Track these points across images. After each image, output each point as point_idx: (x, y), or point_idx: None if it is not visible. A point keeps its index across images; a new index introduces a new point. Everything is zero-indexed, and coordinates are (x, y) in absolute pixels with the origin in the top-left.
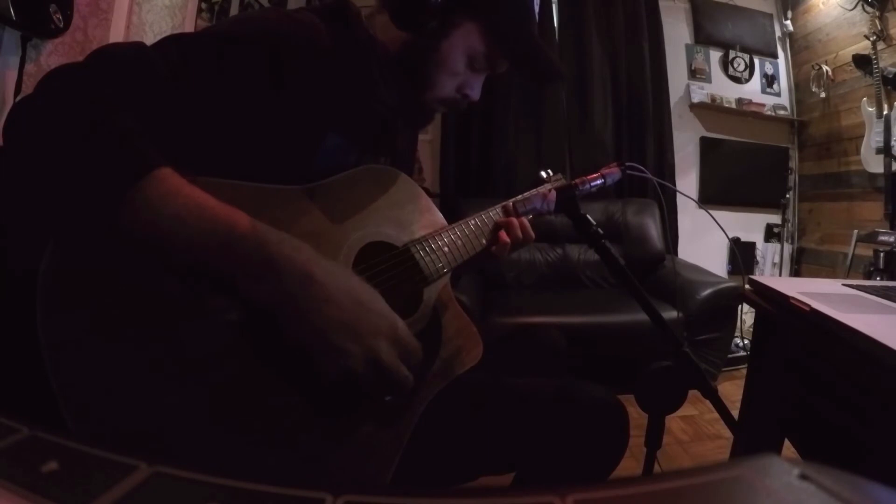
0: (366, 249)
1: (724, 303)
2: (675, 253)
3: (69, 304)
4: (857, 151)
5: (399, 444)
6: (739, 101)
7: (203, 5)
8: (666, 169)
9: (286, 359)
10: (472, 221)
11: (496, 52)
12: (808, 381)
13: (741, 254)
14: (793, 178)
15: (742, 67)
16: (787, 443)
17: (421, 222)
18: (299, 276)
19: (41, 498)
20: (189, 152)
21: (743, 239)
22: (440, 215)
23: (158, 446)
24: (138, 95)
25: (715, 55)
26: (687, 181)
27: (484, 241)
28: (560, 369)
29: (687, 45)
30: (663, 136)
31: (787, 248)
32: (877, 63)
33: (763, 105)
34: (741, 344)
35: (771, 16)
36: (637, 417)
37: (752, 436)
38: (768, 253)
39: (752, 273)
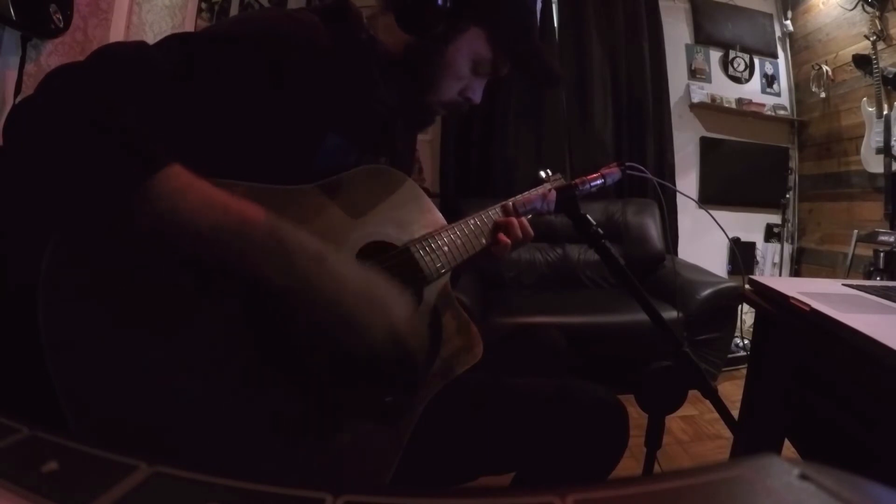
0: (366, 249)
1: (724, 303)
2: (675, 253)
3: (71, 302)
4: (857, 151)
5: (399, 443)
6: (739, 101)
7: (203, 5)
8: (666, 169)
9: (289, 356)
10: (472, 221)
11: (500, 58)
12: (808, 381)
13: (741, 254)
14: (793, 178)
15: (742, 67)
16: (787, 443)
17: (421, 222)
18: (312, 259)
19: (41, 498)
20: (189, 151)
21: (743, 239)
22: (440, 215)
23: (159, 444)
24: (140, 94)
25: (715, 55)
26: (687, 181)
27: (484, 241)
28: (560, 369)
29: (687, 45)
30: (663, 136)
31: (787, 248)
32: (877, 63)
33: (763, 105)
34: (741, 344)
35: (771, 16)
36: (637, 417)
37: (752, 436)
38: (768, 253)
39: (752, 273)
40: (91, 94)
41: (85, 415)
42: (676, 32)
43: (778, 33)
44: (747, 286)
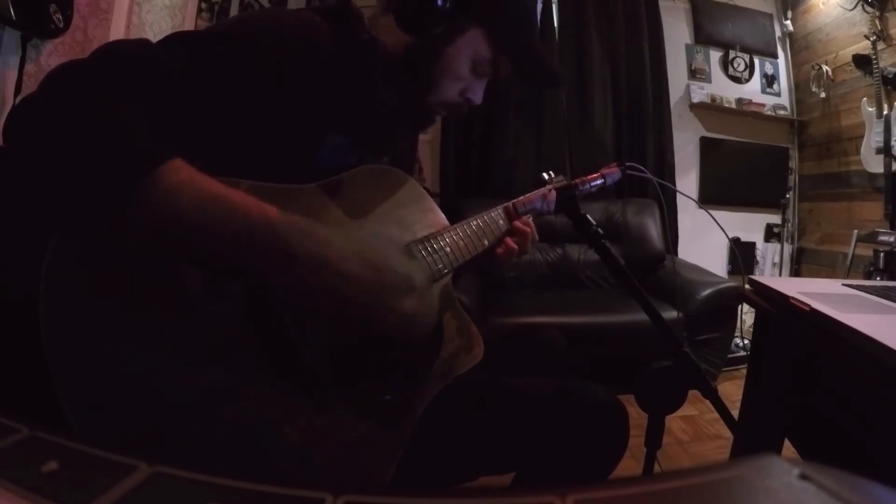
0: None
1: (724, 303)
2: (675, 253)
3: (72, 301)
4: (857, 151)
5: (399, 443)
6: (739, 101)
7: (203, 5)
8: (666, 169)
9: (290, 356)
10: (474, 222)
11: (500, 58)
12: (808, 381)
13: (741, 254)
14: (793, 178)
15: (742, 67)
16: (787, 443)
17: (423, 222)
18: (313, 259)
19: (41, 498)
20: (191, 150)
21: (743, 239)
22: (442, 215)
23: (159, 444)
24: (142, 92)
25: (715, 55)
26: (687, 181)
27: (486, 242)
28: (560, 369)
29: (687, 45)
30: (663, 136)
31: (787, 248)
32: (877, 63)
33: (763, 105)
34: (741, 344)
35: (771, 16)
36: (637, 417)
37: (752, 436)
38: (768, 253)
39: (752, 273)
40: (93, 91)
41: (85, 414)
42: (676, 32)
43: (778, 33)
44: (747, 286)
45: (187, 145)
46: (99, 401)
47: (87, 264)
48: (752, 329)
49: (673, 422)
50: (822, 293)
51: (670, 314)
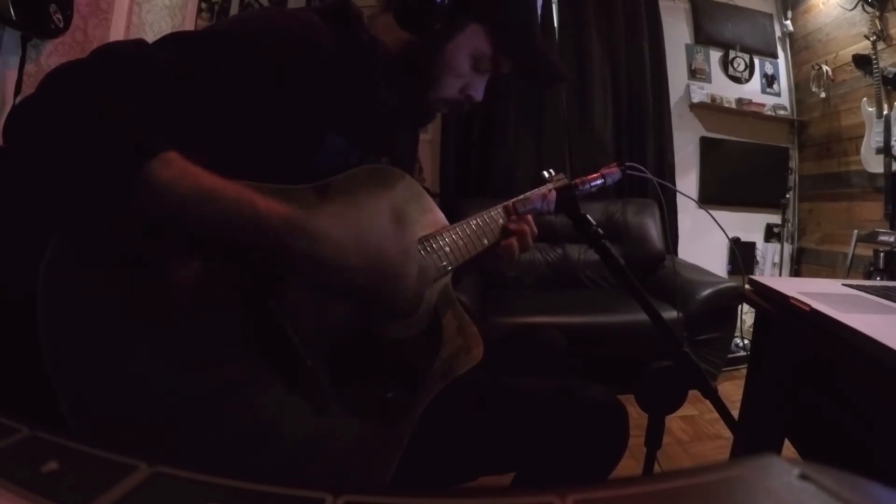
0: None
1: (724, 303)
2: (675, 253)
3: (71, 301)
4: (857, 151)
5: (399, 443)
6: (739, 101)
7: (203, 5)
8: (666, 169)
9: (290, 355)
10: (474, 221)
11: (500, 54)
12: (808, 381)
13: (741, 254)
14: (793, 178)
15: (742, 67)
16: (787, 443)
17: (422, 222)
18: (312, 243)
19: (41, 498)
20: (190, 151)
21: (743, 239)
22: (441, 215)
23: (159, 444)
24: (139, 91)
25: (715, 55)
26: (687, 181)
27: (486, 242)
28: (560, 369)
29: (687, 45)
30: (663, 136)
31: (787, 248)
32: (877, 63)
33: (763, 105)
34: (741, 344)
35: (771, 16)
36: (637, 417)
37: (752, 436)
38: (768, 253)
39: (752, 273)
40: (91, 91)
41: (84, 414)
42: (676, 32)
43: (778, 33)
44: (747, 286)
45: (187, 145)
46: (98, 401)
47: (86, 264)
48: (752, 329)
49: (673, 422)
50: (822, 293)
51: (670, 314)
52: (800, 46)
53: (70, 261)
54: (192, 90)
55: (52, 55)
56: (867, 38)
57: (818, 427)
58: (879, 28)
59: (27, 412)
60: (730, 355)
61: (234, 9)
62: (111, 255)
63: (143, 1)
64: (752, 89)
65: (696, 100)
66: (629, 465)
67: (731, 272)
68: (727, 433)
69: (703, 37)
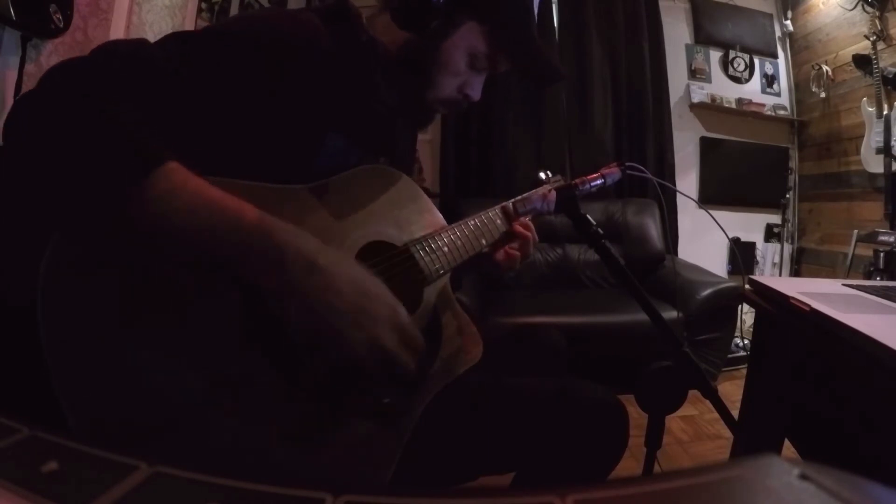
0: (366, 249)
1: (724, 303)
2: (675, 253)
3: (71, 301)
4: (857, 151)
5: (399, 443)
6: (739, 101)
7: (203, 5)
8: (666, 169)
9: (289, 355)
10: (472, 222)
11: (497, 53)
12: (808, 381)
13: (741, 254)
14: (793, 178)
15: (742, 67)
16: (787, 443)
17: (421, 222)
18: (304, 266)
19: (41, 498)
20: (190, 150)
21: (743, 239)
22: (439, 215)
23: (159, 444)
24: (140, 91)
25: (715, 55)
26: (687, 181)
27: (484, 242)
28: (560, 369)
29: (687, 45)
30: (663, 136)
31: (787, 248)
32: (877, 63)
33: (763, 105)
34: (741, 344)
35: (771, 16)
36: (637, 417)
37: (752, 436)
38: (768, 253)
39: (752, 273)
40: (91, 91)
41: (84, 414)
42: (676, 32)
43: (778, 33)
44: (747, 286)
45: (186, 145)
46: (97, 402)
47: (87, 265)
48: (752, 329)
49: (673, 422)
50: (822, 293)
51: (670, 314)
52: (800, 46)
53: (70, 261)
54: (192, 90)
55: (52, 55)
56: (867, 38)
57: (818, 427)
58: (879, 28)
59: (27, 412)
60: (730, 355)
61: (234, 9)
62: (111, 256)
63: (143, 1)
64: (752, 89)
65: (696, 100)
66: (629, 465)
67: (731, 272)
68: (727, 433)
69: (703, 37)
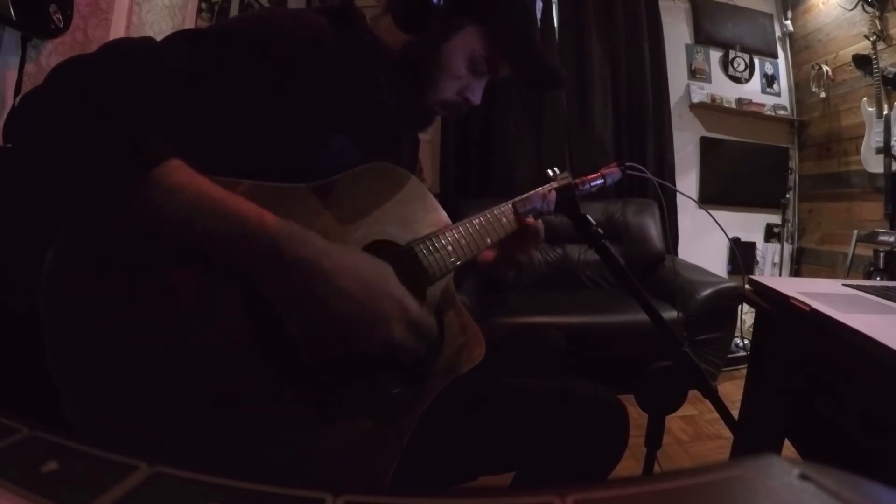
0: (369, 248)
1: (724, 303)
2: (675, 253)
3: (72, 301)
4: (857, 151)
5: (400, 443)
6: (739, 101)
7: (203, 5)
8: (666, 169)
9: (291, 355)
10: (477, 220)
11: (497, 56)
12: (808, 381)
13: (741, 254)
14: (793, 178)
15: (742, 67)
16: (787, 443)
17: (425, 221)
18: (307, 270)
19: (41, 498)
20: (194, 149)
21: (743, 239)
22: (444, 214)
23: (159, 443)
24: (145, 89)
25: (715, 55)
26: (687, 181)
27: (489, 241)
28: (560, 369)
29: (687, 45)
30: (663, 136)
31: (787, 248)
32: (877, 63)
33: (763, 105)
34: (741, 344)
35: (771, 16)
36: (637, 417)
37: (752, 436)
38: (768, 253)
39: (752, 273)
40: (95, 88)
41: (85, 414)
42: (676, 32)
43: (778, 33)
44: (747, 286)
45: (190, 144)
46: (98, 402)
47: (88, 265)
48: (752, 329)
49: (673, 422)
50: (822, 293)
51: (670, 314)
52: (800, 46)
53: (72, 260)
54: (196, 88)
55: (52, 55)
56: (867, 38)
57: (818, 427)
58: (879, 28)
59: (27, 412)
60: (730, 355)
61: (235, 9)
62: (113, 255)
63: (143, 1)
64: (752, 89)
65: (696, 100)
66: (629, 465)
67: (731, 272)
68: (727, 433)
69: (703, 37)
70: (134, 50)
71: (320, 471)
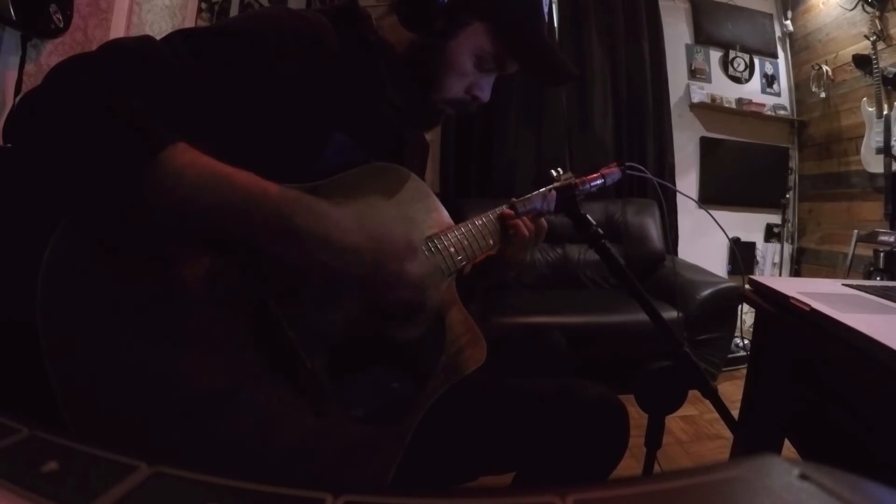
0: None
1: (724, 303)
2: (675, 253)
3: (70, 299)
4: (857, 151)
5: (401, 443)
6: (739, 101)
7: (203, 5)
8: (666, 169)
9: (291, 352)
10: (479, 221)
11: (504, 53)
12: (808, 381)
13: (741, 254)
14: (793, 178)
15: (742, 67)
16: (787, 443)
17: (428, 221)
18: (312, 232)
19: (41, 498)
20: (196, 145)
21: (743, 239)
22: (447, 214)
23: (159, 441)
24: (146, 84)
25: (715, 55)
26: (687, 181)
27: (491, 242)
28: (560, 370)
29: (687, 45)
30: (663, 136)
31: (787, 248)
32: (877, 63)
33: (763, 105)
34: (741, 344)
35: (771, 16)
36: (637, 417)
37: (752, 436)
38: (768, 253)
39: (752, 273)
40: (96, 83)
41: (83, 412)
42: (676, 32)
43: (778, 33)
44: (747, 286)
45: (192, 140)
46: (95, 399)
47: (86, 262)
48: (752, 329)
49: (673, 422)
50: (822, 293)
51: (670, 314)
52: (800, 46)
53: (71, 258)
54: (197, 85)
55: (52, 55)
56: (867, 38)
57: (818, 427)
58: (879, 28)
59: (27, 412)
60: (730, 355)
61: (235, 9)
62: (113, 253)
63: (143, 1)
64: (752, 89)
65: (696, 100)
66: (629, 465)
67: (731, 272)
68: (727, 433)
69: (703, 37)
70: (133, 46)
71: (321, 468)
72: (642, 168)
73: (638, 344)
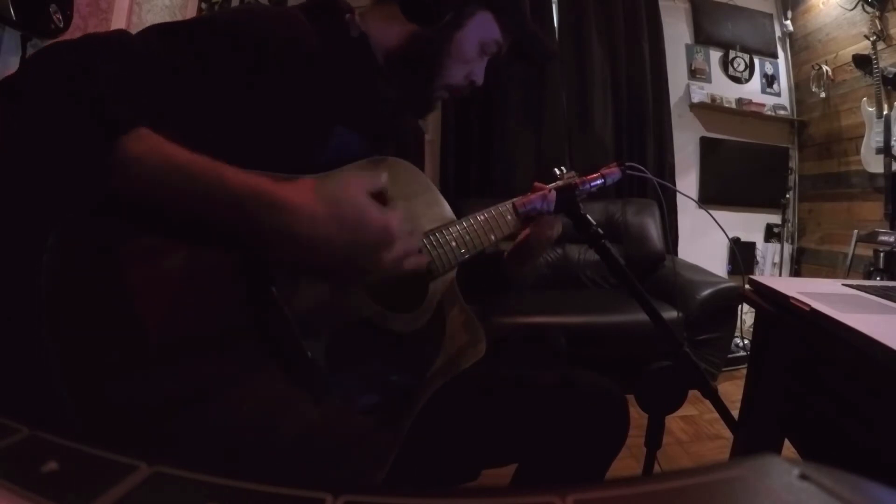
0: None
1: (724, 303)
2: (675, 253)
3: (70, 294)
4: (857, 151)
5: (399, 434)
6: (739, 101)
7: (203, 5)
8: (666, 169)
9: (289, 345)
10: (481, 216)
11: (506, 39)
12: (808, 381)
13: (741, 254)
14: (793, 178)
15: (742, 67)
16: (787, 443)
17: (428, 216)
18: (277, 230)
19: (41, 498)
20: (189, 145)
21: (743, 239)
22: (448, 209)
23: (158, 441)
24: (113, 72)
25: (715, 55)
26: (687, 181)
27: (493, 238)
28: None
29: (687, 45)
30: (663, 136)
31: (787, 248)
32: (877, 63)
33: (763, 105)
34: (741, 344)
35: (771, 16)
36: (637, 417)
37: (752, 436)
38: (768, 253)
39: (752, 273)
40: (63, 69)
41: (81, 406)
42: (676, 32)
43: (778, 33)
44: (747, 286)
45: (171, 135)
46: (97, 393)
47: (87, 256)
48: (752, 329)
49: (673, 422)
50: (822, 293)
51: (670, 314)
52: (800, 46)
53: (70, 253)
54: (170, 78)
55: None
56: (867, 38)
57: (818, 427)
58: (879, 28)
59: (27, 412)
60: (730, 355)
61: None
62: (110, 246)
63: (143, 1)
64: (752, 89)
65: (696, 100)
66: (629, 465)
67: (731, 272)
68: (727, 433)
69: (703, 37)
70: (105, 38)
71: (319, 458)
72: (642, 168)
73: (638, 344)
